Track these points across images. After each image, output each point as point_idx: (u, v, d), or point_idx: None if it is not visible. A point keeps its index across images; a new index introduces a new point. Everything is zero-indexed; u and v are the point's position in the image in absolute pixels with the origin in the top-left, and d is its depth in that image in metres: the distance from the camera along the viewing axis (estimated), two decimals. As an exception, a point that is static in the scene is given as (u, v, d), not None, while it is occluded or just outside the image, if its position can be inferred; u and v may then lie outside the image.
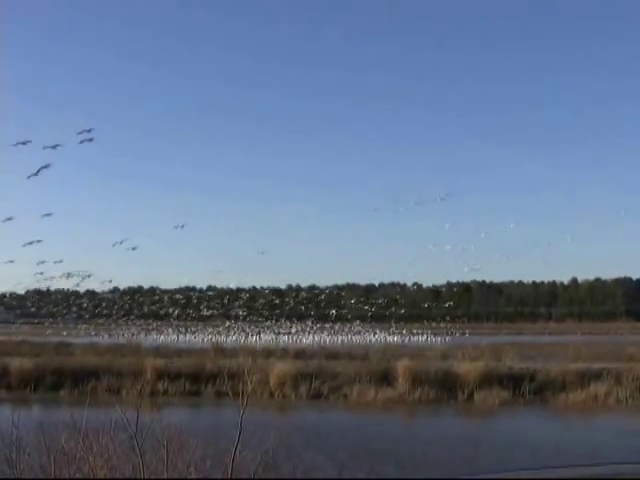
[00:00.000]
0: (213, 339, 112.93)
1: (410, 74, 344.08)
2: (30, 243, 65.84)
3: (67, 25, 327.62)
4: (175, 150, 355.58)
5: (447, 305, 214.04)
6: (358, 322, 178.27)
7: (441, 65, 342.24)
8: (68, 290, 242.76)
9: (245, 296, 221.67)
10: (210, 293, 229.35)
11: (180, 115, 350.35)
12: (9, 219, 58.84)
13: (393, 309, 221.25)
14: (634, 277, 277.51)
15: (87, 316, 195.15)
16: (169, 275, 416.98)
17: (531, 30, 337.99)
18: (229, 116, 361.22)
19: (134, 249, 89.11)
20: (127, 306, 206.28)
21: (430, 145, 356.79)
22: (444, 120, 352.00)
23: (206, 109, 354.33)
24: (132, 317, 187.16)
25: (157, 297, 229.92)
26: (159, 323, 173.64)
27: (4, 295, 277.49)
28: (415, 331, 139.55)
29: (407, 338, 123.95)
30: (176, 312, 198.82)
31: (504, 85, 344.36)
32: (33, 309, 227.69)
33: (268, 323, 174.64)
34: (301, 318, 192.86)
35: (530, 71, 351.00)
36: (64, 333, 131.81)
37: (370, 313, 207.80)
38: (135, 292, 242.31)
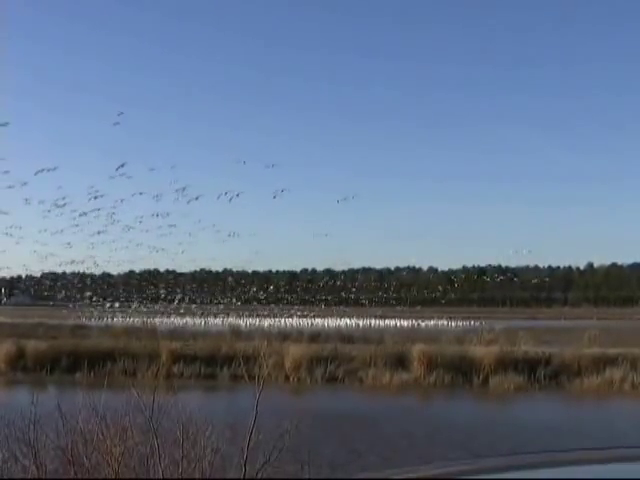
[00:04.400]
0: (228, 322, 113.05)
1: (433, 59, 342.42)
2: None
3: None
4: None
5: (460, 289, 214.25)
6: (373, 306, 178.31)
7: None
8: (84, 273, 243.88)
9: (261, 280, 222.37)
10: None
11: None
12: None
13: (408, 293, 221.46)
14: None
15: (101, 299, 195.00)
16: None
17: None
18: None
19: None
20: (142, 289, 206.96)
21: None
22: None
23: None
24: (146, 300, 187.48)
25: (172, 280, 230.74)
26: (175, 306, 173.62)
27: (19, 277, 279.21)
28: (430, 315, 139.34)
29: (422, 322, 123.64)
30: (193, 295, 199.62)
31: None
32: (48, 291, 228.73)
33: (283, 306, 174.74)
34: (316, 302, 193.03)
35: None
36: (78, 315, 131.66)
37: (385, 297, 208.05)
38: (151, 275, 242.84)
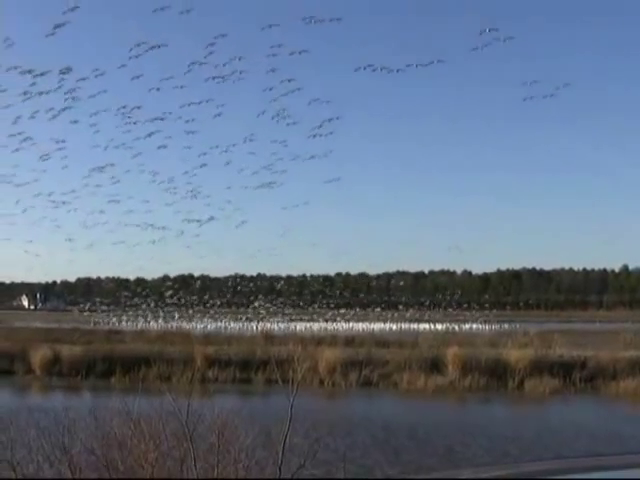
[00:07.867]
0: (262, 326, 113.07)
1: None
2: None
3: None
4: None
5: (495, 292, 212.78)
6: (407, 309, 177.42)
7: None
8: (119, 278, 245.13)
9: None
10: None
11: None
12: None
13: (442, 296, 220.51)
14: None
15: (134, 304, 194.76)
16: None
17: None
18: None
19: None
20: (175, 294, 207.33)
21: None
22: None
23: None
24: (180, 305, 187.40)
25: (207, 285, 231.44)
26: (209, 310, 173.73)
27: (55, 282, 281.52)
28: (464, 318, 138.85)
29: (456, 325, 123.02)
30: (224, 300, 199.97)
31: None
32: (82, 297, 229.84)
33: (317, 310, 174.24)
34: (350, 305, 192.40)
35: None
36: (105, 320, 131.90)
37: (421, 301, 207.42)
38: (185, 280, 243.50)
